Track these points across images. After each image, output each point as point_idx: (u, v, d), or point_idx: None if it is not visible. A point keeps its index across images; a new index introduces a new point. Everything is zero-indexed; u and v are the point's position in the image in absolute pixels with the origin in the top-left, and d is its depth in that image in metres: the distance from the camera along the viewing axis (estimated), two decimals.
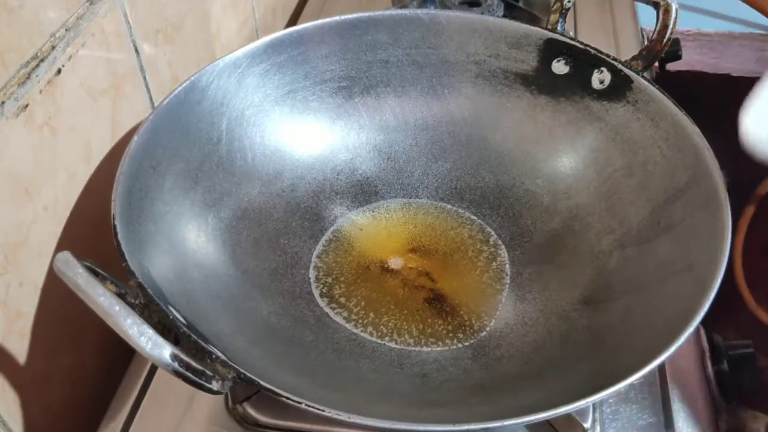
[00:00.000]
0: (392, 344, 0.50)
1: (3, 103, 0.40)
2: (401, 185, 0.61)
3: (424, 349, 0.50)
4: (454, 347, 0.50)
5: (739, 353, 0.52)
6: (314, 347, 0.49)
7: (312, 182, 0.59)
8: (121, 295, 0.37)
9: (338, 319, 0.52)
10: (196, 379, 0.35)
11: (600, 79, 0.54)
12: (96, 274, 0.36)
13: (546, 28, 0.57)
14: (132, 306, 0.36)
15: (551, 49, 0.56)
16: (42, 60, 0.43)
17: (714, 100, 0.85)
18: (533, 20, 0.78)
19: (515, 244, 0.56)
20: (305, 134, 0.59)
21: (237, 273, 0.51)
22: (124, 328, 0.34)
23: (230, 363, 0.36)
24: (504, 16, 0.78)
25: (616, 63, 0.53)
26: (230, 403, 0.47)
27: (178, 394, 0.48)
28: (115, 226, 0.41)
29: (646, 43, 0.57)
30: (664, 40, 0.55)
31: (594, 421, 0.45)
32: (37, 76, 0.43)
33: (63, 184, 0.47)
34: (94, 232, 0.50)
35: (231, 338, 0.44)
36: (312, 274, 0.55)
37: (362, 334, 0.51)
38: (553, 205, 0.57)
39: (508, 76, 0.59)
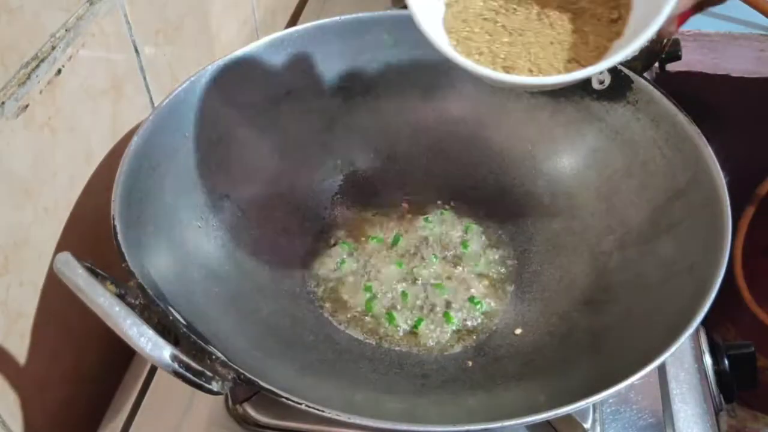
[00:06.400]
0: (392, 345, 0.50)
1: (3, 103, 0.40)
2: (401, 185, 0.60)
3: (425, 349, 0.50)
4: (455, 348, 0.50)
5: (739, 353, 0.52)
6: (314, 348, 0.49)
7: (312, 182, 0.59)
8: (121, 296, 0.37)
9: (338, 320, 0.52)
10: (196, 379, 0.35)
11: (600, 79, 0.54)
12: (96, 274, 0.36)
13: None
14: (132, 306, 0.36)
15: None
16: (42, 60, 0.43)
17: (714, 100, 0.85)
18: None
19: (515, 244, 0.56)
20: (305, 134, 0.59)
21: (237, 273, 0.51)
22: (124, 328, 0.34)
23: (230, 363, 0.36)
24: None
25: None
26: (230, 403, 0.47)
27: (178, 394, 0.48)
28: (115, 227, 0.41)
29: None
30: (664, 41, 0.55)
31: (594, 421, 0.45)
32: (37, 76, 0.43)
33: (63, 185, 0.47)
34: (94, 232, 0.50)
35: (231, 338, 0.44)
36: (312, 274, 0.55)
37: (362, 334, 0.51)
38: (553, 206, 0.57)
39: None
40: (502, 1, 0.43)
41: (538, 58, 0.41)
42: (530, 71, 0.40)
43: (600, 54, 0.40)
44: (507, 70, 0.40)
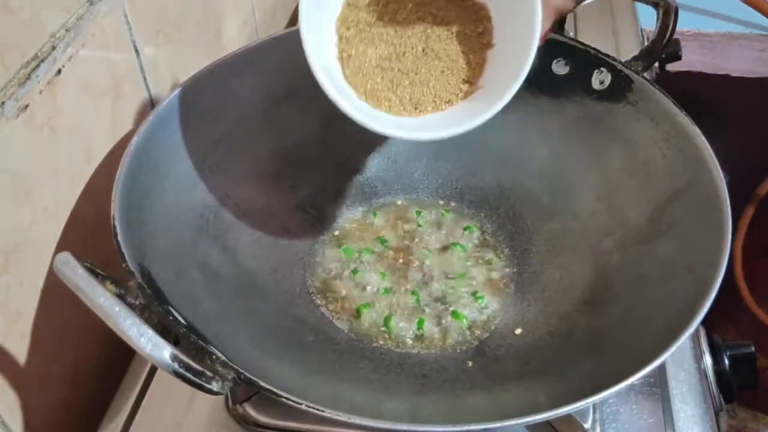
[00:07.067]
0: (392, 345, 0.50)
1: (3, 103, 0.40)
2: (401, 185, 0.61)
3: (424, 349, 0.50)
4: (454, 348, 0.50)
5: (739, 353, 0.52)
6: (314, 348, 0.49)
7: (312, 182, 0.59)
8: (121, 296, 0.37)
9: (338, 320, 0.52)
10: (196, 379, 0.35)
11: (600, 79, 0.54)
12: (96, 274, 0.36)
13: None
14: (132, 306, 0.36)
15: (551, 49, 0.56)
16: (42, 60, 0.43)
17: (714, 100, 0.85)
18: None
19: (515, 244, 0.56)
20: (305, 134, 0.59)
21: (237, 273, 0.51)
22: (124, 328, 0.34)
23: (230, 363, 0.36)
24: None
25: (616, 63, 0.53)
26: (230, 403, 0.47)
27: (178, 394, 0.48)
28: (115, 227, 0.41)
29: (646, 43, 0.57)
30: (664, 41, 0.55)
31: (594, 421, 0.45)
32: (37, 76, 0.43)
33: (63, 185, 0.47)
34: (94, 232, 0.50)
35: (231, 338, 0.44)
36: (312, 274, 0.55)
37: (362, 334, 0.51)
38: (553, 206, 0.57)
39: None
40: (391, 48, 0.46)
41: (437, 89, 0.45)
42: (434, 103, 0.45)
43: (481, 67, 0.45)
44: (416, 107, 0.45)
